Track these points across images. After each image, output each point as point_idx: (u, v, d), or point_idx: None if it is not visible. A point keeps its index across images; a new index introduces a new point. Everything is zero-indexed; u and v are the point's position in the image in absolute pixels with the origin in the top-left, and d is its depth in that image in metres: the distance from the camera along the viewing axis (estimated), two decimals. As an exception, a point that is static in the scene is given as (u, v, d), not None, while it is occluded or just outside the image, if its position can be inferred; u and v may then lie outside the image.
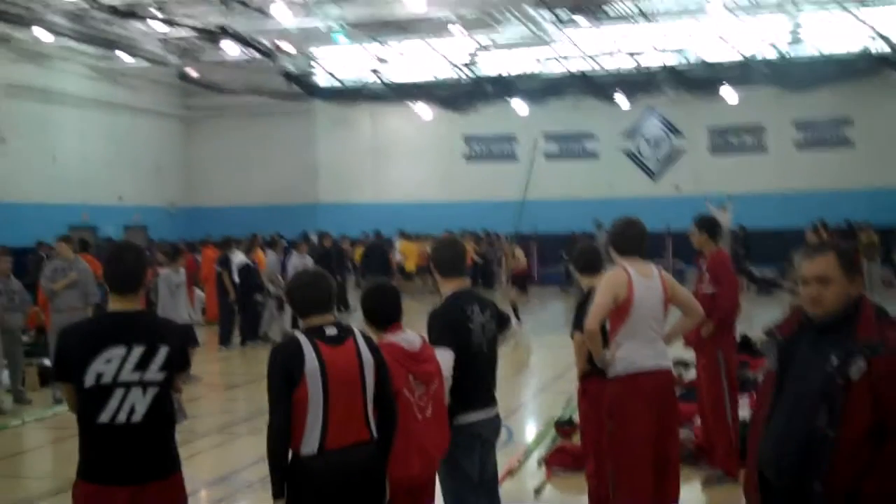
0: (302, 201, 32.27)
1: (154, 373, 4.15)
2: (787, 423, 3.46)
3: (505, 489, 7.40)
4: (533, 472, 8.22)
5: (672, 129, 31.68)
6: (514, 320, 6.15)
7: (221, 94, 29.81)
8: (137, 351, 4.13)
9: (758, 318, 13.23)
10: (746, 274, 23.86)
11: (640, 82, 27.39)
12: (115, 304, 4.29)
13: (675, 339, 6.18)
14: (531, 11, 23.94)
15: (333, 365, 4.26)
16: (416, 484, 4.79)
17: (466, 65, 27.73)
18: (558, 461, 8.15)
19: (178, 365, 4.33)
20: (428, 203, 31.17)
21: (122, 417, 4.08)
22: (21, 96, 25.58)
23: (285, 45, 25.16)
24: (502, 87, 28.43)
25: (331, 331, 4.37)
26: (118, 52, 25.27)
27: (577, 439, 8.16)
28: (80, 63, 27.73)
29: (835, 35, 25.26)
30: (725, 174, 29.48)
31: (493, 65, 28.07)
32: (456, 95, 28.95)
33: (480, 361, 5.27)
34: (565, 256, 25.05)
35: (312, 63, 28.74)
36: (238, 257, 17.10)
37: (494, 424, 5.41)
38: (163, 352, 4.19)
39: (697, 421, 8.31)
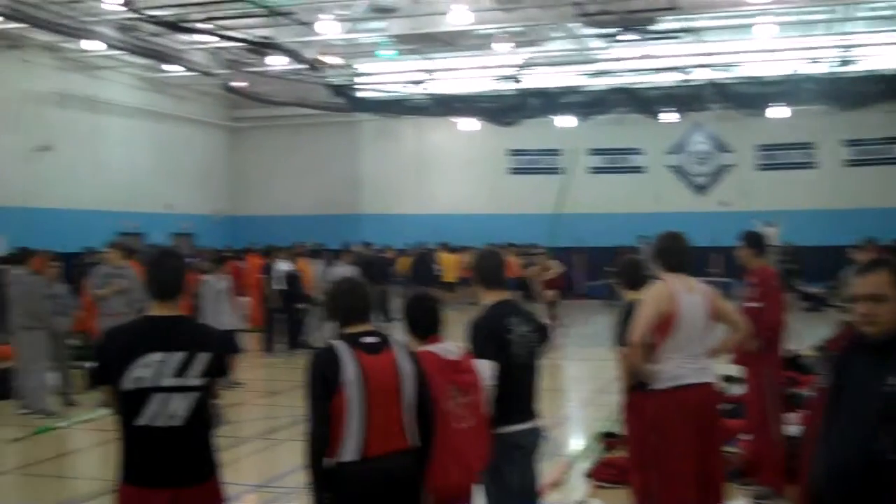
0: (345, 212, 32.42)
1: (193, 378, 4.17)
2: (844, 446, 3.37)
3: (549, 501, 7.39)
4: (577, 484, 8.19)
5: (719, 144, 31.49)
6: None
7: (267, 105, 30.07)
8: (177, 356, 4.15)
9: (806, 335, 13.05)
10: (795, 291, 23.56)
11: (686, 98, 27.20)
12: (155, 310, 4.31)
13: (721, 355, 6.09)
14: (577, 28, 23.86)
15: (372, 373, 4.25)
16: (454, 493, 4.76)
17: (511, 78, 27.69)
18: (603, 474, 8.13)
19: (218, 371, 4.34)
20: (471, 215, 31.20)
21: (161, 421, 4.10)
22: (70, 105, 25.97)
23: (331, 58, 25.28)
24: (547, 101, 28.35)
25: (369, 339, 4.37)
26: (166, 63, 25.56)
27: (622, 452, 8.09)
28: (128, 73, 28.12)
29: (885, 53, 24.94)
30: (773, 190, 29.26)
31: (537, 79, 28.02)
32: (500, 109, 28.92)
33: (521, 372, 5.24)
34: (609, 271, 24.86)
35: (357, 75, 28.86)
36: (281, 266, 17.21)
37: (535, 435, 5.37)
38: (202, 358, 4.21)
39: (745, 437, 8.20)
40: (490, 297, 5.40)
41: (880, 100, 24.91)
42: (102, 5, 20.22)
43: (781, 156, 30.77)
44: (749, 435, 8.02)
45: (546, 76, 27.87)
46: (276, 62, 24.80)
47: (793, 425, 7.94)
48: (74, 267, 18.63)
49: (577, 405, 12.97)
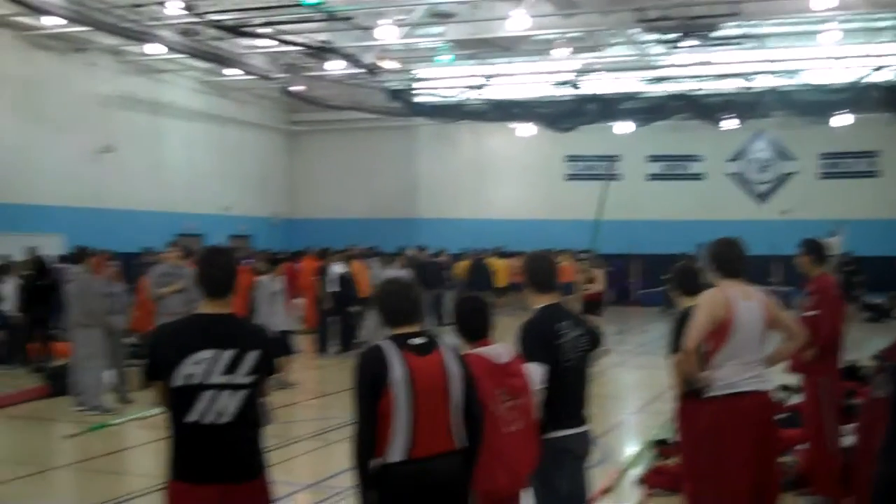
0: (402, 216, 32.52)
1: (242, 376, 4.18)
2: None
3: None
4: (629, 491, 8.12)
5: (781, 152, 31.06)
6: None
7: (325, 109, 30.27)
8: (227, 354, 4.17)
9: (867, 345, 12.78)
10: (856, 301, 23.12)
11: (748, 104, 26.86)
12: (206, 307, 4.33)
13: (777, 363, 5.96)
14: (638, 34, 23.67)
15: (419, 374, 4.23)
16: (501, 497, 4.74)
17: (569, 84, 27.55)
18: (656, 481, 8.05)
19: (267, 369, 4.35)
20: (528, 221, 31.11)
21: (210, 418, 4.12)
22: (132, 108, 26.38)
23: (388, 63, 25.37)
24: (605, 107, 28.17)
25: (417, 340, 4.34)
26: (226, 67, 25.85)
27: (675, 460, 7.99)
28: (189, 77, 28.51)
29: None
30: (835, 199, 28.80)
31: (596, 84, 27.85)
32: (558, 114, 28.79)
33: (571, 376, 5.19)
34: (665, 278, 24.60)
35: (415, 80, 28.93)
36: (335, 268, 17.30)
37: (585, 440, 5.31)
38: (252, 356, 4.22)
39: (801, 447, 8.05)
40: (540, 301, 5.35)
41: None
42: (165, 10, 20.51)
43: (844, 164, 30.25)
44: (805, 445, 7.87)
45: (604, 82, 27.68)
46: (335, 66, 24.95)
47: (849, 436, 7.78)
48: (133, 267, 18.89)
49: (632, 412, 12.86)
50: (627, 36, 24.14)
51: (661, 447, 8.99)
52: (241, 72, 25.97)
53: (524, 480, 4.91)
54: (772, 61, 25.01)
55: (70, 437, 10.65)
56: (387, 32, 22.25)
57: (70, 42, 23.89)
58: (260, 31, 21.89)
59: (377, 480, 4.22)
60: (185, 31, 22.31)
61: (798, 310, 7.56)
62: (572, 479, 5.24)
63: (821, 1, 19.26)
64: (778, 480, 5.80)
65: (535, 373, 4.99)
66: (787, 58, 24.96)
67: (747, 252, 5.74)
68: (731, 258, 5.71)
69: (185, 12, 20.25)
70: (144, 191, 26.38)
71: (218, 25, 20.97)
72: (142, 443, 10.54)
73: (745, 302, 5.53)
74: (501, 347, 4.90)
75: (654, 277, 27.99)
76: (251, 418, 4.25)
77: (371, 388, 4.19)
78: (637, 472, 8.62)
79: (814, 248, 7.61)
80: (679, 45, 23.28)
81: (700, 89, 27.09)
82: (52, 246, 20.29)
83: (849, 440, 7.51)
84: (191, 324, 4.37)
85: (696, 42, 23.27)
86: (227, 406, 4.14)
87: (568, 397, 5.20)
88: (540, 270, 5.43)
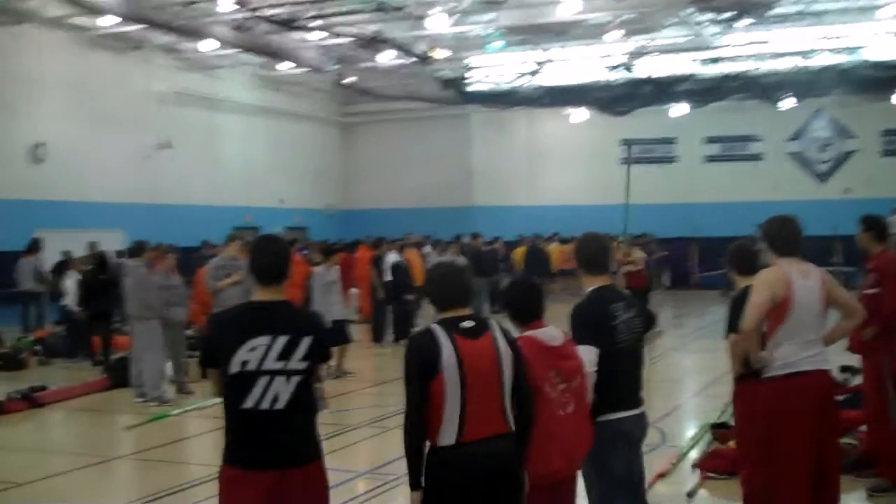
0: (457, 204, 32.52)
1: (297, 362, 4.19)
2: None
3: (658, 491, 7.29)
4: (686, 476, 8.03)
5: (841, 130, 30.48)
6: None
7: (378, 100, 30.34)
8: (281, 340, 4.18)
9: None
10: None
11: (806, 83, 26.38)
12: (260, 295, 4.36)
13: (836, 341, 5.82)
14: (692, 14, 23.32)
15: (470, 357, 4.20)
16: (556, 480, 4.70)
17: (623, 67, 27.27)
18: (712, 465, 7.95)
19: (320, 355, 4.37)
20: (583, 206, 30.88)
21: (265, 404, 4.14)
22: (188, 104, 26.70)
23: (440, 51, 25.31)
24: (660, 90, 27.84)
25: (467, 323, 4.31)
26: (279, 61, 26.03)
27: (733, 443, 7.87)
28: (242, 72, 28.76)
29: None
30: (899, 177, 28.17)
31: (651, 67, 27.52)
32: (612, 98, 28.52)
33: (625, 359, 5.12)
34: (723, 259, 24.30)
35: (467, 68, 28.84)
36: (390, 257, 17.34)
37: (641, 422, 5.24)
38: (305, 342, 4.23)
39: (863, 428, 7.89)
40: (593, 283, 5.28)
41: None
42: (218, 6, 20.69)
43: (908, 140, 29.65)
44: (866, 426, 7.71)
45: (659, 64, 27.35)
46: (386, 57, 24.97)
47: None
48: (193, 260, 19.13)
49: (690, 396, 12.74)
50: (681, 16, 23.80)
51: (718, 430, 8.87)
52: (294, 65, 26.12)
53: (578, 463, 4.88)
54: (830, 38, 24.50)
55: (131, 428, 10.81)
56: (438, 21, 22.20)
57: (125, 41, 24.22)
58: (312, 23, 21.99)
59: (429, 464, 4.21)
60: (239, 27, 22.52)
61: (859, 288, 7.39)
62: (628, 462, 5.18)
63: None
64: (839, 462, 5.67)
65: (588, 355, 4.93)
66: (845, 34, 24.42)
67: (803, 229, 5.60)
68: (786, 236, 5.58)
69: (238, 7, 20.42)
70: (201, 186, 26.72)
71: (270, 20, 21.11)
72: (200, 432, 10.66)
73: (803, 280, 5.40)
74: (554, 330, 4.86)
75: (713, 260, 27.66)
76: (305, 404, 4.26)
77: (421, 372, 4.18)
78: (694, 455, 8.52)
79: (874, 225, 7.43)
80: (735, 24, 22.93)
81: (757, 69, 26.65)
82: (111, 242, 20.62)
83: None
84: (245, 311, 4.39)
85: (751, 20, 22.92)
86: (281, 392, 4.15)
87: (622, 379, 5.13)
88: (591, 252, 5.36)
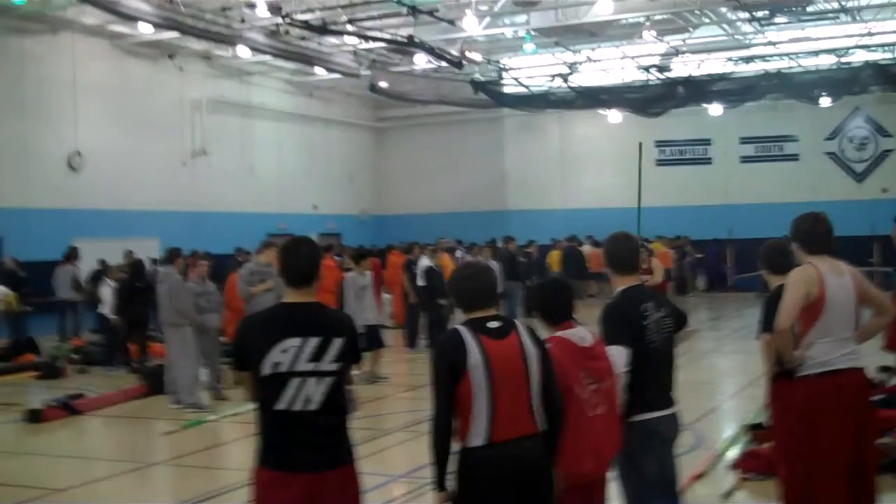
0: (490, 208, 32.50)
1: (328, 364, 4.20)
2: None
3: (694, 492, 7.24)
4: (723, 476, 7.96)
5: (879, 128, 30.11)
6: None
7: (411, 104, 30.39)
8: (313, 342, 4.18)
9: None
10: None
11: (843, 81, 26.03)
12: (290, 297, 4.36)
13: (868, 339, 5.72)
14: (727, 13, 23.13)
15: (497, 357, 4.18)
16: (587, 481, 4.68)
17: (657, 68, 27.10)
18: (749, 465, 7.89)
19: (351, 357, 4.35)
20: (617, 209, 30.68)
21: (297, 405, 4.14)
22: (223, 111, 26.91)
23: (473, 54, 25.30)
24: (695, 90, 27.61)
25: (493, 324, 4.29)
26: (313, 67, 26.14)
27: (769, 444, 7.78)
28: (277, 78, 28.95)
29: None
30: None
31: (685, 67, 27.34)
32: (647, 99, 28.34)
33: (656, 358, 5.06)
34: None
35: (500, 71, 28.79)
36: (423, 262, 17.33)
37: (673, 422, 5.18)
38: (336, 343, 4.23)
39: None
40: (623, 283, 5.24)
41: None
42: (252, 12, 20.82)
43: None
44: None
45: (694, 64, 27.17)
46: (419, 61, 25.00)
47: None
48: (227, 267, 19.28)
49: (726, 397, 12.66)
50: (716, 15, 23.62)
51: (755, 431, 8.79)
52: (326, 71, 26.22)
53: (609, 464, 4.85)
54: (867, 35, 24.21)
55: (167, 435, 10.87)
56: (470, 24, 22.20)
57: (160, 49, 24.47)
58: (344, 29, 22.06)
59: (459, 465, 4.20)
60: (272, 33, 22.65)
61: (894, 289, 7.27)
62: (661, 462, 5.12)
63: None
64: (875, 462, 5.57)
65: (619, 356, 4.89)
66: (883, 30, 24.12)
67: (833, 227, 5.52)
68: (817, 233, 5.51)
69: (271, 14, 20.54)
70: (235, 192, 26.88)
71: (304, 25, 21.21)
72: (236, 438, 10.69)
73: (837, 278, 5.33)
74: (584, 331, 4.83)
75: (749, 262, 27.42)
76: (338, 405, 4.26)
77: (449, 373, 4.17)
78: (731, 456, 8.45)
79: (911, 222, 7.32)
80: (770, 22, 22.72)
81: (793, 67, 26.39)
82: (148, 250, 20.82)
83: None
84: (276, 313, 4.40)
85: (787, 18, 22.70)
86: (313, 393, 4.15)
87: (654, 379, 5.07)
88: (620, 252, 5.31)
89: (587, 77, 28.43)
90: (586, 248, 27.34)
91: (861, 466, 5.29)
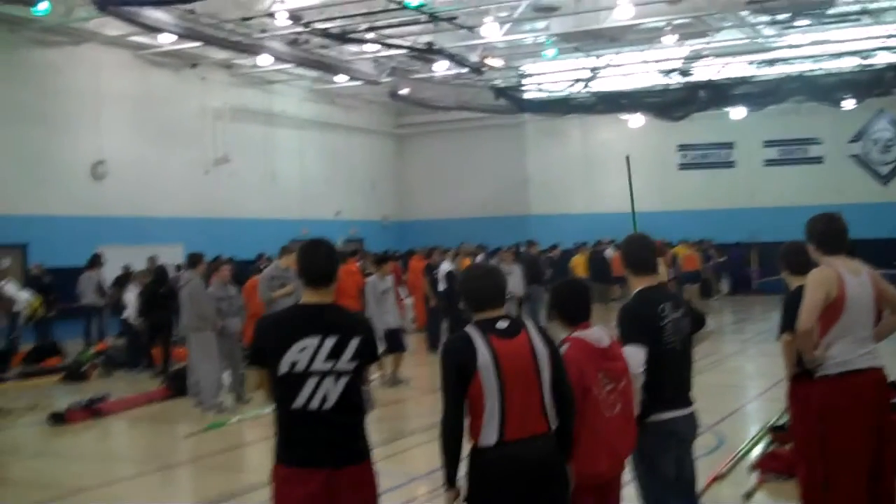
0: (513, 213, 32.47)
1: (345, 363, 4.23)
2: None
3: (714, 493, 7.23)
4: (744, 477, 7.93)
5: (904, 130, 29.95)
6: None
7: (432, 110, 30.44)
8: (330, 341, 4.22)
9: None
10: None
11: (867, 83, 25.93)
12: (308, 297, 4.40)
13: (885, 338, 5.68)
14: (748, 16, 23.04)
15: (507, 357, 4.20)
16: (602, 481, 4.68)
17: (678, 72, 27.04)
18: (770, 466, 7.86)
19: (368, 356, 4.39)
20: (641, 213, 30.60)
21: (314, 404, 4.17)
22: (244, 119, 27.05)
23: (493, 60, 25.34)
24: (717, 93, 27.55)
25: (502, 324, 4.31)
26: (334, 74, 26.25)
27: (790, 445, 7.74)
28: (298, 86, 29.08)
29: None
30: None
31: (707, 71, 27.27)
32: (669, 103, 28.30)
33: (673, 359, 5.06)
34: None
35: (521, 76, 28.83)
36: (444, 266, 17.35)
37: (691, 422, 5.18)
38: (353, 343, 4.26)
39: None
40: (640, 283, 5.24)
41: None
42: (273, 22, 20.95)
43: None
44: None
45: (715, 68, 27.09)
46: (440, 68, 25.06)
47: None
48: (248, 272, 19.38)
49: (749, 400, 12.61)
50: (737, 19, 23.55)
51: (776, 433, 8.75)
52: (348, 78, 26.32)
53: (624, 464, 4.85)
54: (890, 37, 24.06)
55: (189, 436, 10.94)
56: (490, 30, 22.24)
57: (183, 58, 24.63)
58: (365, 36, 22.15)
59: (471, 464, 4.21)
60: (293, 41, 22.76)
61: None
62: (679, 462, 5.11)
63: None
64: (894, 462, 5.53)
65: (635, 356, 4.90)
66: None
67: (848, 227, 5.51)
68: (835, 233, 5.49)
69: (292, 22, 20.65)
70: (258, 199, 27.01)
71: (324, 34, 21.31)
72: (257, 440, 10.71)
73: (855, 277, 5.32)
74: (601, 331, 4.83)
75: (773, 266, 27.26)
76: (354, 404, 4.29)
77: (457, 374, 4.20)
78: (752, 458, 8.42)
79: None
80: (792, 24, 22.63)
81: (816, 69, 26.27)
82: (172, 256, 20.95)
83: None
84: (294, 313, 4.46)
85: (809, 21, 22.59)
86: (330, 392, 4.19)
87: (671, 379, 5.07)
88: (637, 253, 5.32)
89: (609, 82, 28.41)
90: (609, 252, 27.29)
91: (880, 467, 5.26)
